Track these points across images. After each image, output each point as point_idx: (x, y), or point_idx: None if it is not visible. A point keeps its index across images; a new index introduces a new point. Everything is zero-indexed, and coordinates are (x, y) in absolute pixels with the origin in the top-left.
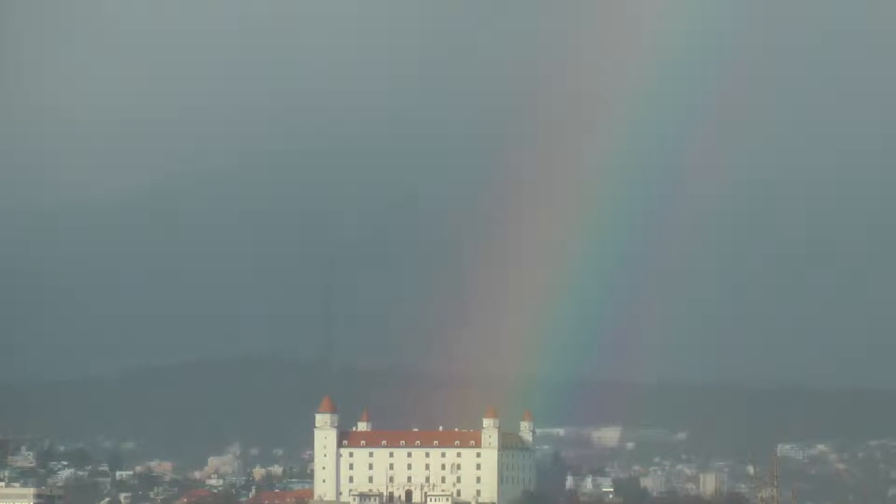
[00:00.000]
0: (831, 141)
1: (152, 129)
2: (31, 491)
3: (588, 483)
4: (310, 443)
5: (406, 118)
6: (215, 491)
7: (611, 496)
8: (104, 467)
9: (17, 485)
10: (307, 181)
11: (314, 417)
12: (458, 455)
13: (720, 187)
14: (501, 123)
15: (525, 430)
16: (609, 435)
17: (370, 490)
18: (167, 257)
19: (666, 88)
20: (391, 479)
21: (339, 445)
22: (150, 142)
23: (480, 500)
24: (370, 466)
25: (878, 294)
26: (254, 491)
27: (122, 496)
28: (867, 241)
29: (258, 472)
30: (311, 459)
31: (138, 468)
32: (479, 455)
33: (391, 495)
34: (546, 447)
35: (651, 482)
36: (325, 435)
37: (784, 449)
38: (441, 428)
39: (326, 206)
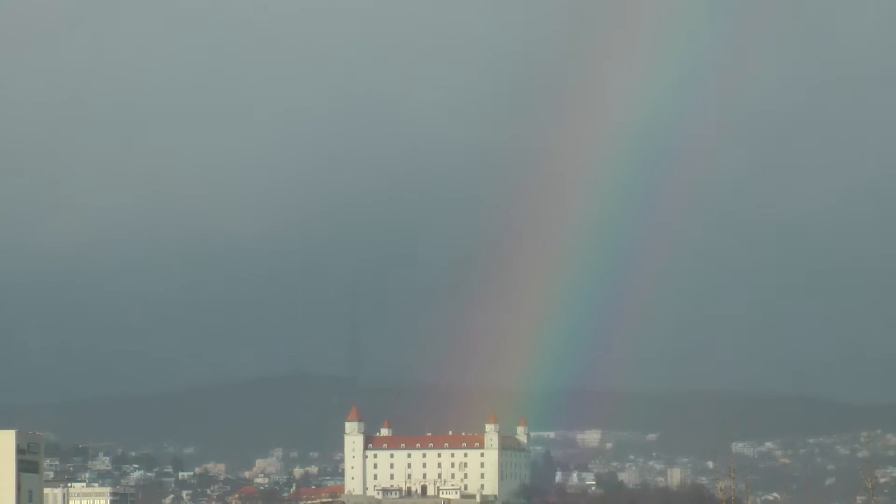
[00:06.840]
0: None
1: None
2: (108, 490)
3: (574, 477)
4: (341, 446)
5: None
6: (262, 488)
7: (593, 488)
8: (168, 469)
9: (96, 485)
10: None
11: (344, 425)
12: (465, 455)
13: (693, 214)
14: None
15: (521, 433)
16: (591, 437)
17: (391, 486)
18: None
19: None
20: (409, 476)
21: (366, 448)
22: None
23: (484, 493)
24: (391, 466)
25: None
26: (294, 488)
27: (185, 493)
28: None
29: (297, 471)
30: (342, 461)
31: (197, 469)
32: (482, 455)
33: (409, 490)
34: (539, 448)
35: (627, 476)
36: (353, 440)
37: (738, 446)
38: (450, 433)
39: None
